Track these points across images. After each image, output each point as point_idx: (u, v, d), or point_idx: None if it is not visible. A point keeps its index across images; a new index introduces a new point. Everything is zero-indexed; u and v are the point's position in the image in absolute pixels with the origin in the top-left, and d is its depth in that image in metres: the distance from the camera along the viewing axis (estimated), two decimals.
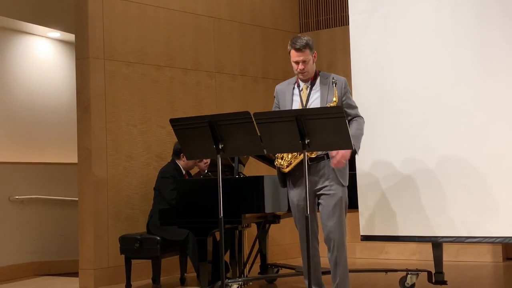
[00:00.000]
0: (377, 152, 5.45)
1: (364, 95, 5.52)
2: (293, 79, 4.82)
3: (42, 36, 8.25)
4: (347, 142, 4.18)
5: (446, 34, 5.26)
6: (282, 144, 4.30)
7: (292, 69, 4.76)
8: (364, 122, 4.78)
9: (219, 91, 7.70)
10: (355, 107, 4.77)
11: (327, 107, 4.53)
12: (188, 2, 7.47)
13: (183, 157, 6.43)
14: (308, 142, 4.15)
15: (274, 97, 4.90)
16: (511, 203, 5.00)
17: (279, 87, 4.89)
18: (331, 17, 8.57)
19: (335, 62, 8.37)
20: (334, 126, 4.12)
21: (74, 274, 6.94)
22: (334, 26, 8.51)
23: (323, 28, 8.58)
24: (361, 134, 4.72)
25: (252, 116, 4.25)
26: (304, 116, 4.13)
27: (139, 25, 7.02)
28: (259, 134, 4.31)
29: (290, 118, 4.15)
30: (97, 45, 6.66)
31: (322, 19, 8.63)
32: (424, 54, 5.34)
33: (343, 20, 8.37)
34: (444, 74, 5.26)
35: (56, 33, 8.17)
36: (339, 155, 4.55)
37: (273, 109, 4.90)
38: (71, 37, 7.59)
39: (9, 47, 7.92)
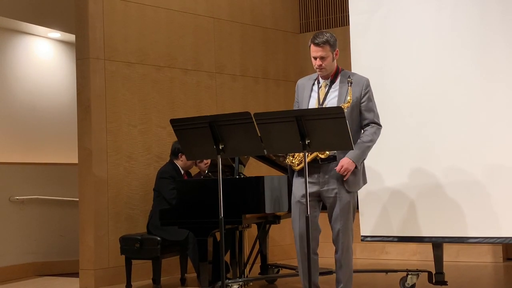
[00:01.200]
0: (377, 152, 5.44)
1: None
2: (315, 75, 4.74)
3: (43, 37, 8.25)
4: (347, 142, 4.17)
5: (446, 35, 5.26)
6: (283, 145, 4.29)
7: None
8: (379, 130, 4.63)
9: (219, 91, 7.70)
10: (373, 111, 4.62)
11: (327, 107, 4.52)
12: (188, 2, 7.47)
13: (181, 156, 6.43)
14: (308, 142, 4.15)
15: (295, 91, 4.81)
16: (511, 204, 5.00)
17: (300, 81, 4.81)
18: (331, 18, 8.57)
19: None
20: (334, 127, 4.11)
21: (75, 274, 6.94)
22: (334, 27, 8.51)
23: (323, 29, 8.57)
24: (370, 146, 4.59)
25: (253, 117, 4.25)
26: (304, 116, 4.12)
27: (139, 26, 7.02)
28: (259, 134, 4.31)
29: (290, 118, 4.14)
30: (97, 45, 6.66)
31: (322, 19, 8.63)
32: (424, 55, 5.35)
33: (343, 21, 8.37)
34: (444, 74, 5.27)
35: (57, 34, 8.18)
36: (339, 167, 4.49)
37: (294, 104, 4.80)
38: (71, 37, 7.59)
39: (10, 48, 7.92)
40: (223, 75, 7.76)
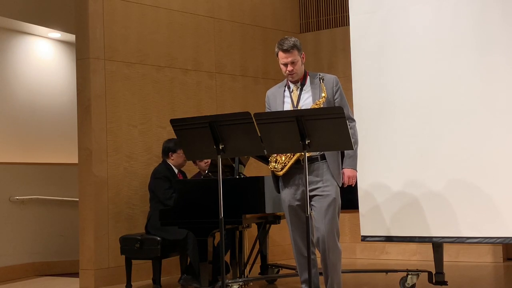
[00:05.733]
0: (377, 152, 5.45)
1: (364, 96, 5.53)
2: (283, 82, 4.80)
3: (43, 37, 8.26)
4: (347, 142, 4.18)
5: (446, 35, 5.26)
6: (283, 145, 4.29)
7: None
8: (355, 125, 4.75)
9: (219, 91, 7.70)
10: (347, 107, 4.71)
11: (327, 107, 4.52)
12: (189, 3, 7.47)
13: (171, 155, 6.44)
14: (308, 142, 4.15)
15: (266, 103, 4.86)
16: (511, 204, 5.00)
17: (270, 92, 4.86)
18: (332, 18, 8.57)
19: (335, 63, 8.37)
20: (334, 127, 4.12)
21: (75, 274, 6.95)
22: (335, 27, 8.51)
23: (323, 29, 8.58)
24: (357, 146, 4.71)
25: (253, 117, 4.25)
26: (304, 116, 4.13)
27: (139, 26, 7.02)
28: (259, 134, 4.31)
29: (290, 118, 4.14)
30: (97, 45, 6.66)
31: (323, 19, 8.63)
32: (424, 55, 5.34)
33: (343, 21, 8.37)
34: (444, 75, 5.26)
35: (57, 34, 8.18)
36: (346, 179, 4.68)
37: None
38: (71, 37, 7.59)
39: (10, 48, 7.92)
40: (223, 75, 7.76)
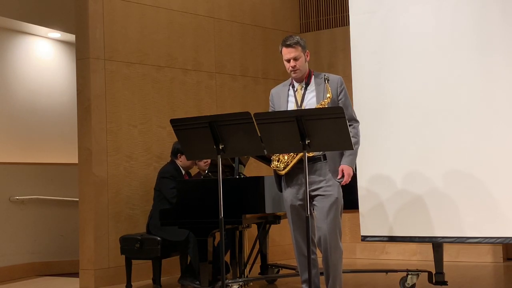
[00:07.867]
0: (377, 152, 5.46)
1: (364, 96, 5.53)
2: (288, 81, 4.80)
3: (43, 37, 8.26)
4: (347, 142, 4.18)
5: (446, 35, 5.26)
6: (283, 145, 4.29)
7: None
8: (359, 126, 4.73)
9: (219, 91, 7.70)
10: (350, 107, 4.72)
11: (327, 107, 4.52)
12: (189, 2, 7.47)
13: (180, 157, 6.44)
14: (308, 142, 4.15)
15: (270, 101, 4.86)
16: (511, 204, 5.00)
17: (274, 90, 4.87)
18: (332, 18, 8.57)
19: (335, 63, 8.37)
20: (334, 127, 4.12)
21: (75, 274, 6.94)
22: (335, 27, 8.51)
23: (323, 29, 8.58)
24: (358, 147, 4.67)
25: (253, 117, 4.25)
26: (304, 116, 4.13)
27: (139, 26, 7.02)
28: (259, 134, 4.31)
29: (290, 118, 4.14)
30: (97, 45, 6.66)
31: (323, 19, 8.63)
32: (424, 55, 5.35)
33: (343, 21, 8.37)
34: (444, 75, 5.26)
35: (57, 34, 8.18)
36: (341, 173, 4.58)
37: None
38: (71, 37, 7.59)
39: (10, 48, 7.92)
40: (223, 75, 7.76)
